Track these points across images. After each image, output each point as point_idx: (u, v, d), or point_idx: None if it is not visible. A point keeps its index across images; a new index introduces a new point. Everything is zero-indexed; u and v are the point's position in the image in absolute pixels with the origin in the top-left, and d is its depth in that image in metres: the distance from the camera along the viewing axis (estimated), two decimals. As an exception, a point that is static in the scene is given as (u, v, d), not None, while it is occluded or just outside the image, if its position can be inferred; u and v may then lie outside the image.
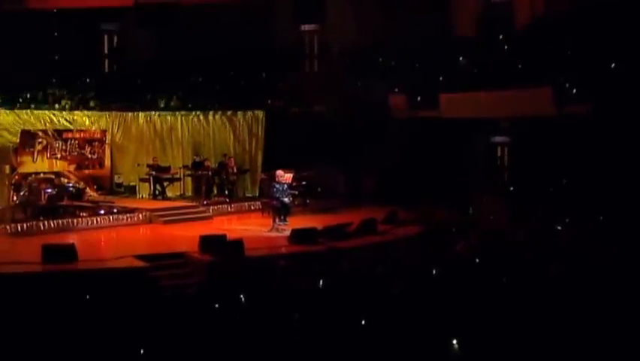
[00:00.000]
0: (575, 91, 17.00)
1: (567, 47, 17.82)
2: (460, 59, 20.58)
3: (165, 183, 20.99)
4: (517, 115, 18.28)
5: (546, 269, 9.88)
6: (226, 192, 20.86)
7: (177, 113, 22.17)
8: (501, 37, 20.53)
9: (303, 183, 19.97)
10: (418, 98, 20.85)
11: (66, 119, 20.56)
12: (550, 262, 10.31)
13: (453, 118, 19.54)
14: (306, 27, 24.59)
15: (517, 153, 20.13)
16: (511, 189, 19.55)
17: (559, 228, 14.23)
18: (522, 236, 13.51)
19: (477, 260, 11.16)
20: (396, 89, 21.34)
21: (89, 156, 20.79)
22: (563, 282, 9.20)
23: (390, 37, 21.69)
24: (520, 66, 18.51)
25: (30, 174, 18.97)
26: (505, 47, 20.12)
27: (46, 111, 20.18)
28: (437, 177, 19.64)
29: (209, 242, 13.96)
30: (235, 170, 20.85)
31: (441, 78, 20.40)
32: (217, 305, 9.00)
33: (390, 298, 8.83)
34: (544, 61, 17.90)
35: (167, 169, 21.11)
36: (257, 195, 21.50)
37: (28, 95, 19.62)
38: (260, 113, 22.62)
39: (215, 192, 21.15)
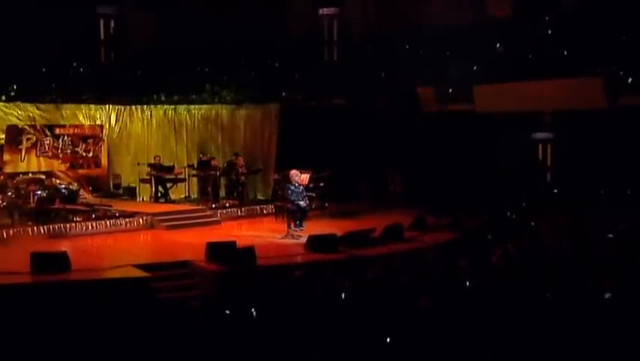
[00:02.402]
0: (630, 81, 16.84)
1: (621, 29, 17.63)
2: (497, 45, 20.46)
3: (168, 185, 21.07)
4: (562, 108, 18.16)
5: (597, 284, 9.77)
6: (236, 194, 20.89)
7: (181, 106, 22.24)
8: (544, 18, 20.34)
9: (321, 184, 19.96)
10: (449, 90, 20.78)
11: (58, 113, 20.65)
12: (602, 276, 10.20)
13: (488, 112, 19.44)
14: (324, 11, 24.59)
15: (562, 150, 20.00)
16: (555, 191, 19.42)
17: (610, 236, 14.09)
18: (568, 246, 13.39)
19: (516, 272, 11.08)
20: (425, 80, 21.26)
21: (84, 154, 20.93)
22: (615, 298, 9.09)
23: (416, 21, 21.62)
24: (565, 52, 18.36)
25: (17, 174, 19.13)
26: (549, 31, 19.97)
27: (36, 104, 20.28)
28: (471, 178, 19.56)
29: (216, 250, 13.96)
30: (245, 170, 20.87)
31: (475, 67, 20.30)
32: (225, 320, 8.99)
33: (417, 313, 8.78)
34: (594, 46, 17.73)
35: (171, 169, 21.16)
36: (270, 197, 21.52)
37: (15, 87, 19.72)
38: (274, 107, 22.64)
39: (224, 194, 21.18)
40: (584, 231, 14.71)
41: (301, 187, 17.00)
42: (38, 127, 20.10)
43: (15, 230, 16.46)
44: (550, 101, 18.26)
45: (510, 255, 12.55)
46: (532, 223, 16.36)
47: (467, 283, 10.22)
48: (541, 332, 7.94)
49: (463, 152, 20.30)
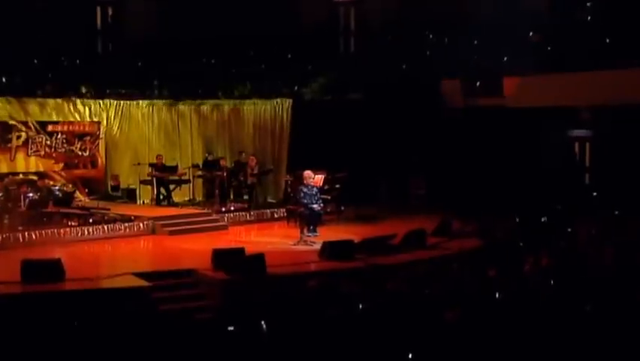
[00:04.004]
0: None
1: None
2: (530, 34, 20.41)
3: (171, 186, 21.09)
4: (602, 103, 18.07)
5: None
6: (244, 196, 20.91)
7: (186, 102, 22.26)
8: (584, 4, 20.26)
9: (337, 186, 19.94)
10: (477, 84, 20.72)
11: (51, 109, 20.70)
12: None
13: (520, 107, 19.39)
14: (340, -3, 24.67)
15: (602, 149, 19.90)
16: (594, 194, 19.32)
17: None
18: (609, 254, 13.32)
19: (551, 283, 11.03)
20: (450, 73, 21.21)
21: (80, 153, 20.98)
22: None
23: (441, 8, 21.57)
24: (607, 41, 18.26)
25: (7, 174, 19.17)
26: (588, 18, 19.88)
27: (27, 98, 20.32)
28: (500, 180, 19.49)
29: (223, 257, 13.97)
30: (256, 170, 20.89)
31: (505, 59, 20.25)
32: (233, 334, 8.98)
33: (442, 328, 8.76)
34: (638, 34, 17.63)
35: (174, 169, 21.20)
36: (281, 200, 21.52)
37: (4, 79, 19.79)
38: (285, 102, 22.63)
39: (232, 197, 21.20)
40: (626, 238, 14.63)
41: (315, 189, 17.00)
42: (30, 124, 20.14)
43: (4, 235, 16.44)
44: (588, 95, 18.20)
45: (544, 264, 12.51)
46: (569, 229, 16.28)
47: (497, 295, 10.18)
48: (579, 349, 7.89)
49: (492, 151, 20.24)
